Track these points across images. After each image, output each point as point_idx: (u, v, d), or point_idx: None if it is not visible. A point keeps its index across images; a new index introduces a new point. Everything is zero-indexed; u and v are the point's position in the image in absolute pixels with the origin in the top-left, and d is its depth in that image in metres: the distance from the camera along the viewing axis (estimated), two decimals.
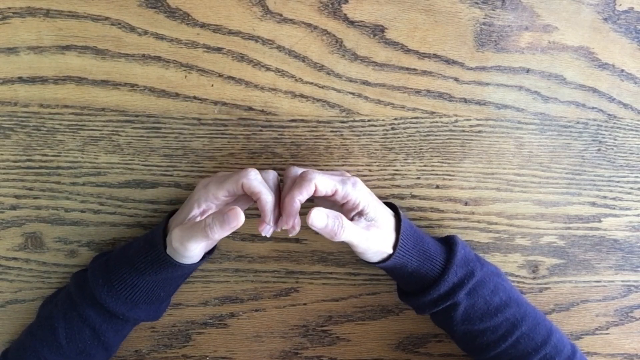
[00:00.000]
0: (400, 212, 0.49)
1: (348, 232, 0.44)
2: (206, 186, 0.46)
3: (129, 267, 0.47)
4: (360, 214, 0.47)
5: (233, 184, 0.45)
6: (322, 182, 0.45)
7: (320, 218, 0.43)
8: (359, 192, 0.46)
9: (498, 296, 0.49)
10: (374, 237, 0.46)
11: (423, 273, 0.48)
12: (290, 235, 0.46)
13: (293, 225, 0.44)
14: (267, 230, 0.45)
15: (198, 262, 0.48)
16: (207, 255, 0.50)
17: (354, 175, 0.48)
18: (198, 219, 0.45)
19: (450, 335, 0.53)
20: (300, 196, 0.44)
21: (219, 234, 0.43)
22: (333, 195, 0.46)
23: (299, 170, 0.47)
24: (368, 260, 0.48)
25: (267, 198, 0.45)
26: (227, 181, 0.45)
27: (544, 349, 0.48)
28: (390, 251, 0.47)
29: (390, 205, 0.51)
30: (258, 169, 0.47)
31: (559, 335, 0.50)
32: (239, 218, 0.42)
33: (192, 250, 0.44)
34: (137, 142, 0.52)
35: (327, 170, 0.54)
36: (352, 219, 0.46)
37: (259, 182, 0.45)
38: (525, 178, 0.55)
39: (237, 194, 0.46)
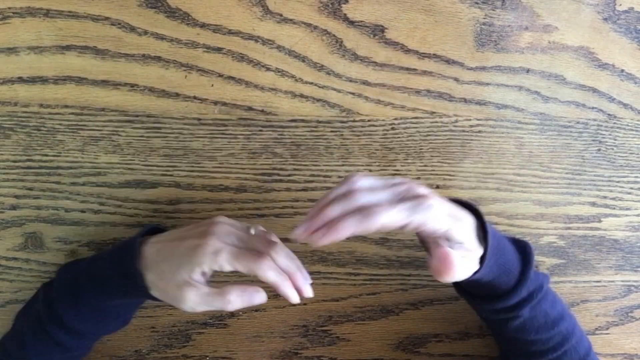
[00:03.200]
0: (485, 220, 0.43)
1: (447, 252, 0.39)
2: (216, 254, 0.41)
3: (98, 292, 0.45)
4: (443, 238, 0.40)
5: (245, 270, 0.41)
6: (390, 218, 0.37)
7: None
8: (435, 218, 0.38)
9: (556, 309, 0.48)
10: (466, 264, 0.41)
11: (496, 285, 0.46)
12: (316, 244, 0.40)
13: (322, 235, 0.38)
14: (295, 300, 0.42)
15: None
16: None
17: (422, 186, 0.41)
18: (203, 280, 0.43)
19: (494, 334, 0.52)
20: (354, 229, 0.37)
21: (236, 308, 0.42)
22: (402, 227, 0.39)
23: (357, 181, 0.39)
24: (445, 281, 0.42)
25: (286, 285, 0.42)
26: (240, 262, 0.41)
27: None
28: (476, 267, 0.42)
29: (464, 204, 0.45)
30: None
31: (592, 350, 0.50)
32: (262, 297, 0.42)
33: (199, 312, 0.43)
34: (137, 142, 0.52)
35: (327, 169, 0.54)
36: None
37: (274, 273, 0.41)
38: (525, 178, 0.55)
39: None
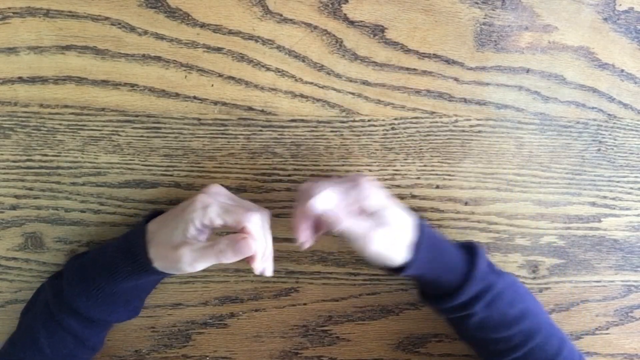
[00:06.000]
0: (422, 222, 0.48)
1: (349, 221, 0.44)
2: (205, 208, 0.44)
3: (107, 275, 0.46)
4: (371, 213, 0.45)
5: (234, 222, 0.44)
6: (323, 200, 0.44)
7: (322, 201, 0.43)
8: (368, 195, 0.45)
9: (515, 308, 0.49)
10: (380, 236, 0.44)
11: (441, 283, 0.48)
12: (301, 248, 0.46)
13: (303, 239, 0.45)
14: (258, 269, 0.45)
15: None
16: None
17: (365, 177, 0.47)
18: (200, 237, 0.45)
19: (460, 336, 0.53)
20: (311, 203, 0.43)
21: (231, 260, 0.43)
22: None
23: (312, 189, 0.45)
24: (383, 265, 0.47)
25: (260, 247, 0.44)
26: (229, 215, 0.44)
27: None
28: (403, 257, 0.46)
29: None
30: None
31: (570, 347, 0.50)
32: (251, 248, 0.43)
33: (199, 269, 0.44)
34: (137, 142, 0.52)
35: (327, 169, 0.54)
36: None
37: (259, 229, 0.45)
38: (525, 178, 0.55)
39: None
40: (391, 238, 0.45)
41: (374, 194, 0.46)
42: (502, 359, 0.49)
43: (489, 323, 0.48)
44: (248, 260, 0.44)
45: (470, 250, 0.50)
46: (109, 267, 0.46)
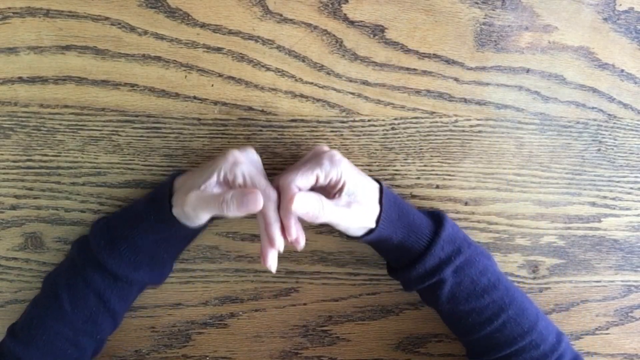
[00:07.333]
0: (384, 184, 0.49)
1: (329, 213, 0.43)
2: (236, 164, 0.44)
3: (132, 227, 0.47)
4: (341, 190, 0.45)
5: (257, 184, 0.44)
6: (301, 181, 0.44)
7: (301, 204, 0.42)
8: (337, 168, 0.45)
9: (486, 277, 0.49)
10: (355, 213, 0.45)
11: (408, 246, 0.48)
12: (299, 249, 0.45)
13: (297, 238, 0.44)
14: (271, 260, 0.44)
15: (203, 225, 0.48)
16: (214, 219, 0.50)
17: (326, 151, 0.47)
18: (215, 189, 0.44)
19: (437, 313, 0.53)
20: (291, 205, 0.43)
21: (234, 213, 0.42)
22: (318, 181, 0.45)
23: (284, 180, 0.45)
24: (352, 235, 0.48)
25: (275, 229, 0.43)
26: (254, 179, 0.44)
27: (530, 335, 0.48)
28: (374, 225, 0.46)
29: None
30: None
31: (545, 322, 0.50)
32: (258, 204, 0.41)
33: (202, 218, 0.45)
34: (137, 142, 0.52)
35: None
36: (333, 196, 0.46)
37: (273, 211, 0.44)
38: (525, 178, 0.56)
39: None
40: (363, 212, 0.46)
41: (338, 168, 0.45)
42: (477, 334, 0.49)
43: (459, 292, 0.48)
44: (262, 254, 0.44)
45: (436, 216, 0.51)
46: (134, 217, 0.47)
